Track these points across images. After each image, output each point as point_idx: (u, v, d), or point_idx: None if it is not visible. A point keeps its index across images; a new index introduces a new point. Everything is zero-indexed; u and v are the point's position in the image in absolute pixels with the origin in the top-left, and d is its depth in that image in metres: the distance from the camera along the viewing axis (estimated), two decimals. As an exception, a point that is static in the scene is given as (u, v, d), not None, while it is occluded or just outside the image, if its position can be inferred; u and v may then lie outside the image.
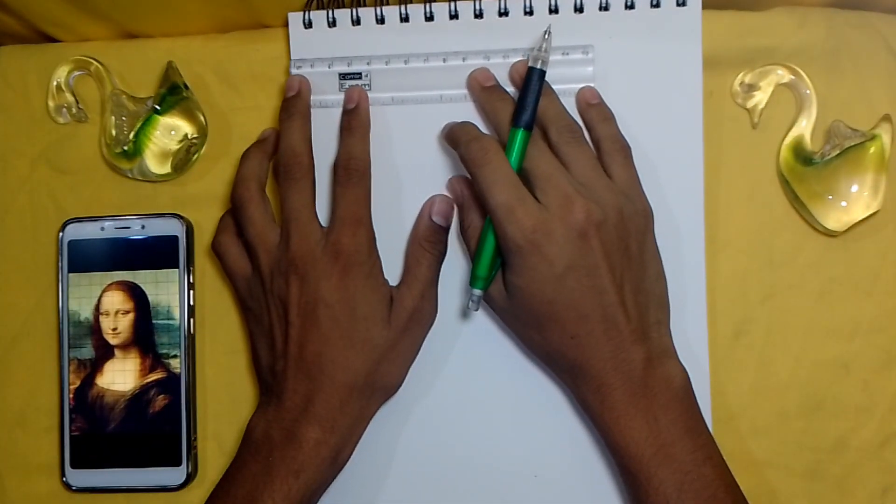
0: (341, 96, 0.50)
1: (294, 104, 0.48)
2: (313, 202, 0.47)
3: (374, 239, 0.46)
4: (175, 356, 0.51)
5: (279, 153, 0.47)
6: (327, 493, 0.46)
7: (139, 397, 0.51)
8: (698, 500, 0.41)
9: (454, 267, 0.49)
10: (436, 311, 0.48)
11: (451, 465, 0.49)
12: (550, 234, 0.42)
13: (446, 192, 0.49)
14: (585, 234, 0.42)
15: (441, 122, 0.49)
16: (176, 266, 0.52)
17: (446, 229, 0.48)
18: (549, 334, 0.44)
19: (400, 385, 0.47)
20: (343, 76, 0.50)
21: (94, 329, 0.52)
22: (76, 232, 0.52)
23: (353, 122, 0.48)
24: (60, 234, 0.52)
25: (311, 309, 0.44)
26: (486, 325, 0.49)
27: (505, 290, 0.45)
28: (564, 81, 0.48)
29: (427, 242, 0.47)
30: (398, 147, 0.49)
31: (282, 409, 0.45)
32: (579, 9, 0.49)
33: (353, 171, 0.46)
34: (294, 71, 0.50)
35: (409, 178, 0.49)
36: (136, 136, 0.51)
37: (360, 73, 0.49)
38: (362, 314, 0.45)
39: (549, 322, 0.43)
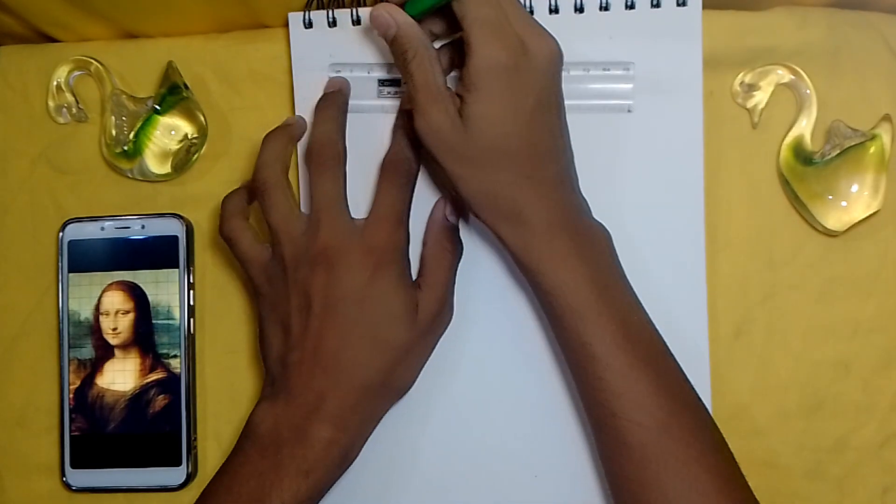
0: (380, 102, 0.49)
1: (332, 97, 0.48)
2: (345, 192, 0.45)
3: (408, 242, 0.46)
4: (175, 356, 0.51)
5: (312, 139, 0.46)
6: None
7: (139, 397, 0.51)
8: (641, 337, 0.43)
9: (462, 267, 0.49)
10: (453, 312, 0.48)
11: (450, 465, 0.49)
12: (532, 59, 0.41)
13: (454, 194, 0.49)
14: (556, 69, 0.42)
15: None
16: (176, 266, 0.52)
17: (459, 228, 0.48)
18: (503, 174, 0.42)
19: (411, 386, 0.47)
20: (382, 82, 0.49)
21: (94, 329, 0.52)
22: (76, 232, 0.52)
23: (411, 122, 0.46)
24: (60, 234, 0.52)
25: (336, 303, 0.43)
26: (486, 326, 0.49)
27: (461, 123, 0.42)
28: (603, 97, 0.48)
29: (448, 242, 0.47)
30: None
31: (292, 404, 0.43)
32: (579, 9, 0.48)
33: (403, 170, 0.46)
34: (333, 73, 0.50)
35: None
36: (136, 136, 0.51)
37: (399, 80, 0.49)
38: (388, 314, 0.44)
39: (506, 159, 0.42)
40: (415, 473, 0.49)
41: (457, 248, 0.47)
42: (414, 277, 0.46)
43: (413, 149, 0.47)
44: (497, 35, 0.41)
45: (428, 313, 0.45)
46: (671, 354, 0.44)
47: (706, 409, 0.43)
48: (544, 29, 0.42)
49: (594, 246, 0.44)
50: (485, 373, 0.49)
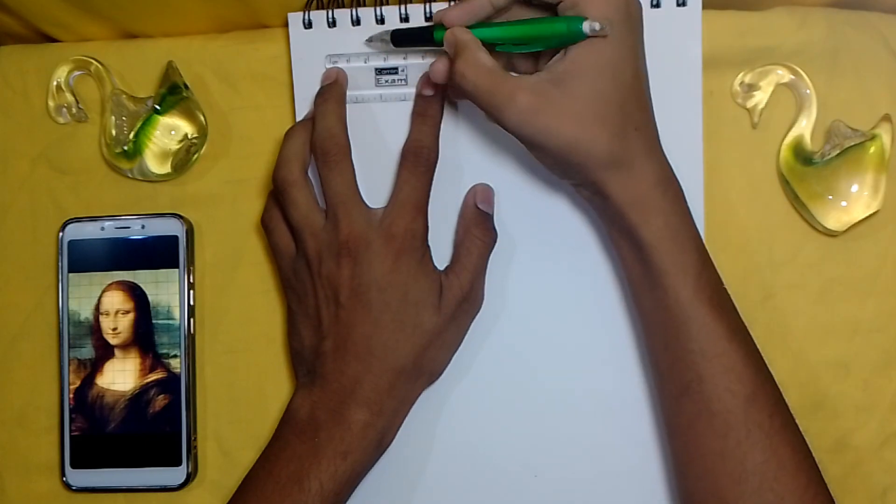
0: (378, 91, 0.50)
1: (329, 89, 0.48)
2: (356, 183, 0.46)
3: (427, 229, 0.46)
4: (175, 356, 0.51)
5: (314, 136, 0.47)
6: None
7: (139, 397, 0.51)
8: (730, 306, 0.43)
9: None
10: (482, 300, 0.48)
11: (449, 464, 0.49)
12: (631, 5, 0.41)
13: (485, 184, 0.49)
14: (642, 16, 0.43)
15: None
16: (176, 266, 0.52)
17: (493, 217, 0.48)
18: (611, 126, 0.41)
19: (443, 371, 0.48)
20: (379, 71, 0.49)
21: (94, 329, 0.52)
22: (76, 232, 0.52)
23: (430, 109, 0.48)
24: (60, 234, 0.52)
25: (363, 291, 0.44)
26: (485, 327, 0.49)
27: (556, 88, 0.41)
28: None
29: (478, 230, 0.47)
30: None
31: (328, 389, 0.45)
32: (579, 9, 0.48)
33: (422, 158, 0.46)
34: (329, 65, 0.50)
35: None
36: (136, 136, 0.51)
37: (396, 68, 0.49)
38: (414, 299, 0.45)
39: (617, 109, 0.41)
40: (410, 472, 0.49)
41: (487, 236, 0.48)
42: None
43: (433, 136, 0.47)
44: None
45: (452, 299, 0.46)
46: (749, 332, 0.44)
47: (780, 389, 0.43)
48: None
49: (672, 186, 0.43)
50: (481, 372, 0.49)
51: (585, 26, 0.38)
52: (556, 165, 0.44)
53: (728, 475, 0.41)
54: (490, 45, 0.43)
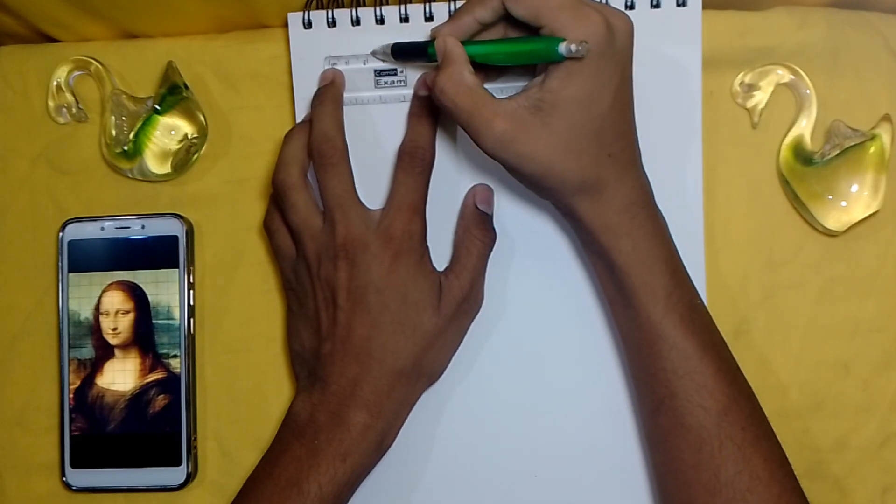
0: (378, 93, 0.50)
1: (326, 91, 0.48)
2: (353, 185, 0.46)
3: (425, 230, 0.46)
4: (175, 356, 0.51)
5: (311, 139, 0.47)
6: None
7: (139, 397, 0.51)
8: (704, 322, 0.43)
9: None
10: (482, 300, 0.48)
11: (449, 465, 0.49)
12: (618, 36, 0.41)
13: (485, 184, 0.49)
14: (632, 44, 0.42)
15: None
16: (176, 266, 0.52)
17: (492, 217, 0.48)
18: (585, 155, 0.41)
19: (443, 372, 0.48)
20: (379, 72, 0.50)
21: (94, 329, 0.52)
22: (76, 232, 0.52)
23: (425, 110, 0.47)
24: (60, 234, 0.52)
25: (362, 293, 0.44)
26: (485, 328, 0.49)
27: (534, 116, 0.41)
28: None
29: (478, 230, 0.47)
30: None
31: (328, 392, 0.45)
32: (579, 9, 0.48)
33: (418, 159, 0.46)
34: (328, 66, 0.50)
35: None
36: (136, 136, 0.51)
37: (395, 70, 0.49)
38: (413, 300, 0.45)
39: (591, 140, 0.41)
40: (410, 472, 0.49)
41: (487, 237, 0.48)
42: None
43: (428, 137, 0.47)
44: (581, 16, 0.40)
45: (451, 298, 0.46)
46: (726, 343, 0.44)
47: (757, 399, 0.44)
48: (613, 6, 0.43)
49: (664, 228, 0.44)
50: (481, 372, 0.49)
51: (562, 47, 0.39)
52: (531, 187, 0.45)
53: (703, 487, 0.42)
54: (475, 63, 0.43)
